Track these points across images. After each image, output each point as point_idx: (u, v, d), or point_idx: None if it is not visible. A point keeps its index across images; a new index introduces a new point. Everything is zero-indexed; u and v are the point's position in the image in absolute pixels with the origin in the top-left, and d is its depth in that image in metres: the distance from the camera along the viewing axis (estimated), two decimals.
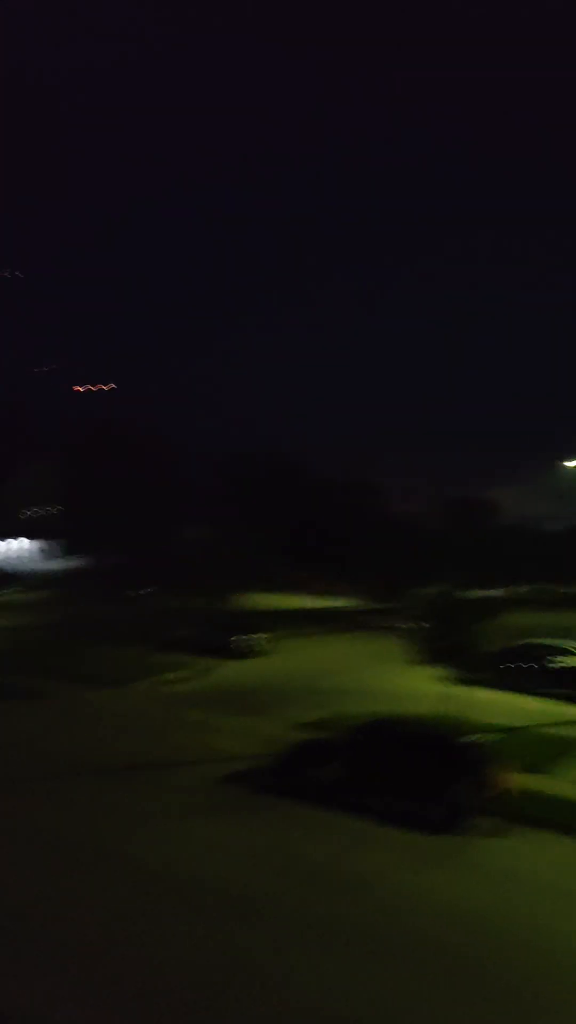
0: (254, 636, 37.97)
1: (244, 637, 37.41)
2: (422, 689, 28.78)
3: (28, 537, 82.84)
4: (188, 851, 14.71)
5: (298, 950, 11.42)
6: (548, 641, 38.31)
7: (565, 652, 35.76)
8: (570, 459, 36.92)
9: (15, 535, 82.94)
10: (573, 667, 32.99)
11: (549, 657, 33.75)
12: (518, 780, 18.64)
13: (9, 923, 11.64)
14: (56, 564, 74.77)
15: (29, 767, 19.15)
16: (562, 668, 32.73)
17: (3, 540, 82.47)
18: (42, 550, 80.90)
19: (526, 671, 32.37)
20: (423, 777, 16.81)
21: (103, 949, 11.12)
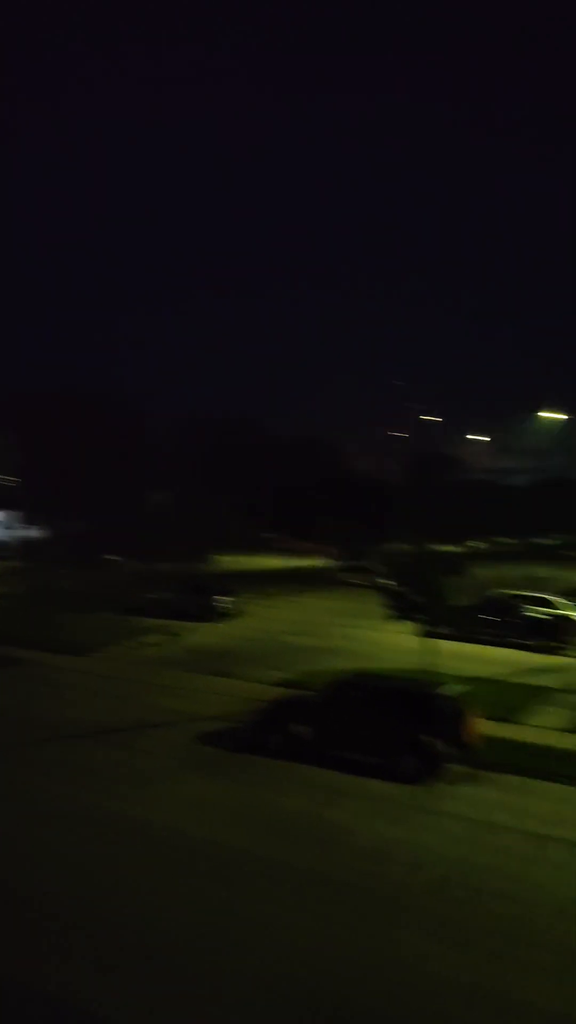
0: (225, 598, 38.11)
1: (215, 599, 37.52)
2: (394, 644, 29.21)
3: None
4: (167, 809, 14.91)
5: (277, 902, 11.66)
6: (518, 592, 39.01)
7: (534, 602, 36.47)
8: (536, 412, 37.25)
9: None
10: (542, 617, 33.68)
11: (519, 608, 34.38)
12: (488, 729, 19.07)
13: None
14: (18, 534, 74.15)
15: (6, 733, 19.20)
16: (531, 618, 33.37)
17: None
18: (1, 521, 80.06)
19: (496, 622, 32.98)
20: (395, 730, 17.13)
21: (85, 906, 11.28)
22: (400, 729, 17.10)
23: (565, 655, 30.91)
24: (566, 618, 34.32)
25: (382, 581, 30.14)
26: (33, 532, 72.25)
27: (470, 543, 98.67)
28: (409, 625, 24.82)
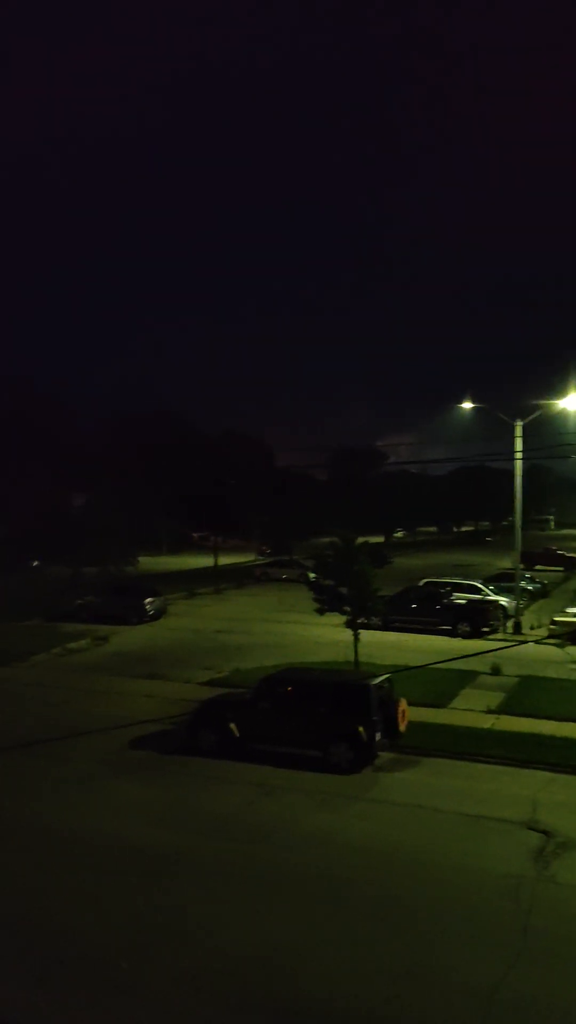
0: (153, 599, 37.73)
1: (143, 601, 37.12)
2: (323, 637, 29.41)
3: None
4: (100, 814, 14.70)
5: (213, 900, 11.60)
6: (444, 580, 39.78)
7: (460, 589, 37.25)
8: (455, 404, 37.98)
9: None
10: (467, 603, 34.41)
11: (445, 595, 35.05)
12: (419, 715, 19.39)
13: None
14: None
15: None
16: (458, 604, 34.04)
17: None
18: None
19: (424, 610, 33.51)
20: (327, 721, 17.25)
21: (22, 916, 11.03)
22: (332, 720, 17.23)
23: (491, 639, 31.62)
24: (491, 603, 35.16)
25: (309, 575, 30.28)
26: None
27: (396, 533, 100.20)
28: (337, 617, 24.98)
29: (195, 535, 78.53)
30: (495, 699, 22.01)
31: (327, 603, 24.79)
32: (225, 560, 58.06)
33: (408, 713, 18.33)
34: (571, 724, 19.63)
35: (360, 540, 25.74)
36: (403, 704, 18.15)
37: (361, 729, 16.89)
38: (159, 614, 37.41)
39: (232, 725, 17.89)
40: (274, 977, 9.78)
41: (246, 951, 10.29)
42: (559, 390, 35.49)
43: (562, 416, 36.40)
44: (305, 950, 10.32)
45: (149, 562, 57.32)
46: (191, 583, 49.22)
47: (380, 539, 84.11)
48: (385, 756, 17.45)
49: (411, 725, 18.42)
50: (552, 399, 35.02)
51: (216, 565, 51.86)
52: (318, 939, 10.57)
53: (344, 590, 24.40)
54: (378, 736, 17.19)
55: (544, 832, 13.84)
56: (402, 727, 17.95)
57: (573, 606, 33.98)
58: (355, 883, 12.16)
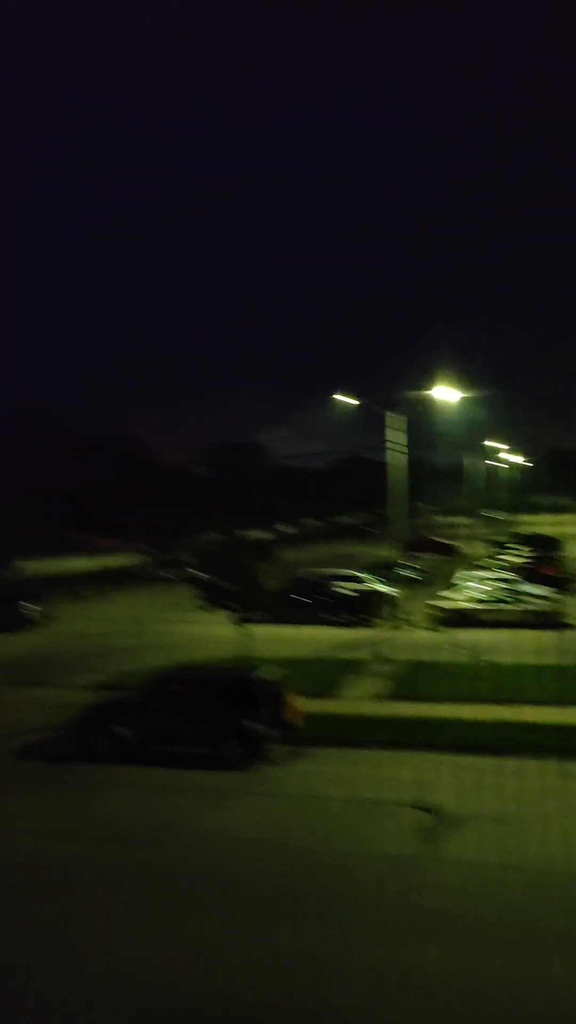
0: (32, 605, 36.67)
1: (22, 607, 36.02)
2: (210, 635, 29.31)
3: None
4: None
5: (115, 908, 11.44)
6: (326, 571, 40.37)
7: (343, 579, 37.91)
8: (331, 397, 38.64)
9: None
10: (350, 594, 35.05)
11: (329, 586, 35.59)
12: (308, 706, 19.65)
13: None
14: None
15: None
16: (341, 595, 34.64)
17: None
18: None
19: (308, 602, 33.94)
20: (217, 719, 17.25)
21: None
22: (221, 717, 17.25)
23: (374, 627, 32.36)
24: (373, 592, 35.96)
25: (193, 572, 30.17)
26: None
27: (278, 527, 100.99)
28: (223, 614, 25.01)
29: (76, 537, 76.77)
30: (382, 686, 22.55)
31: (213, 600, 24.78)
32: (107, 561, 57.07)
33: (298, 705, 18.55)
34: (454, 705, 20.33)
35: (244, 535, 25.85)
36: (293, 696, 18.35)
37: (251, 724, 16.97)
38: (40, 620, 36.41)
39: (123, 728, 17.63)
40: (172, 979, 9.73)
41: (144, 955, 10.19)
42: (435, 382, 36.69)
43: (440, 408, 37.60)
44: (203, 950, 10.31)
45: (27, 566, 55.71)
46: (72, 586, 48.15)
47: (264, 533, 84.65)
48: (276, 749, 17.61)
49: (301, 717, 18.65)
50: (426, 391, 36.16)
51: (99, 567, 50.91)
52: (215, 938, 10.58)
53: (230, 586, 24.45)
54: (269, 730, 17.31)
55: (429, 811, 14.29)
56: (292, 719, 18.14)
57: (453, 591, 35.16)
58: (250, 878, 12.23)
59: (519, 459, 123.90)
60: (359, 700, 21.34)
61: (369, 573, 40.13)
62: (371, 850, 12.99)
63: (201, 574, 26.28)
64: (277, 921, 10.95)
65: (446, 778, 15.98)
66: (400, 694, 21.72)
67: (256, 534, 51.06)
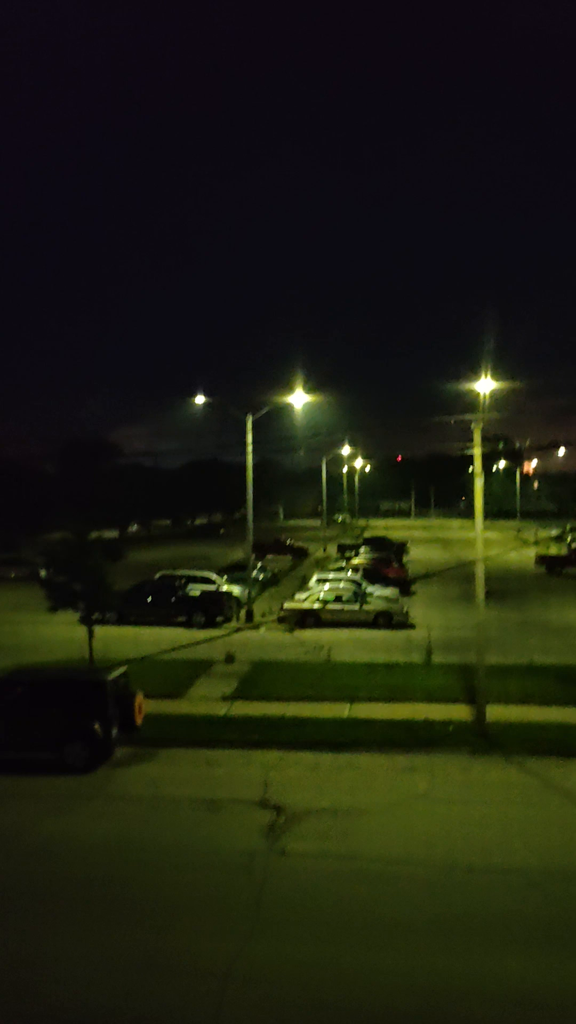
0: None
1: None
2: (57, 636, 28.61)
3: None
4: None
5: None
6: (178, 572, 40.27)
7: (194, 580, 37.93)
8: (186, 398, 38.53)
9: None
10: (202, 594, 35.09)
11: (180, 587, 35.51)
12: (155, 707, 19.58)
13: None
14: None
15: None
16: (192, 596, 34.62)
17: None
18: None
19: (158, 603, 33.72)
20: (60, 721, 16.86)
21: None
22: (66, 720, 16.87)
23: (225, 628, 32.58)
24: (225, 593, 36.18)
25: (40, 572, 29.34)
26: None
27: (130, 527, 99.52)
28: (72, 615, 24.49)
29: None
30: (229, 686, 22.76)
31: (60, 600, 24.21)
32: None
33: (145, 706, 18.45)
34: (299, 704, 20.82)
35: (94, 534, 25.41)
36: (139, 697, 18.22)
37: (96, 726, 16.72)
38: None
39: None
40: (17, 992, 9.50)
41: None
42: (289, 388, 37.33)
43: (290, 412, 38.28)
44: (46, 960, 10.10)
45: None
46: None
47: (115, 533, 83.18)
48: (122, 751, 17.44)
49: (148, 717, 18.56)
50: (281, 396, 36.74)
51: None
52: (60, 947, 10.39)
53: (78, 586, 23.96)
54: (114, 732, 17.12)
55: (275, 808, 14.60)
56: (139, 720, 18.02)
57: (300, 592, 35.87)
58: (95, 883, 12.07)
59: (366, 464, 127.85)
60: (207, 700, 21.45)
61: (220, 574, 40.34)
62: (217, 848, 13.12)
63: (48, 573, 25.63)
64: (124, 926, 10.86)
65: (289, 775, 16.35)
66: (248, 693, 22.01)
67: (108, 534, 50.07)
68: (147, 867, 12.56)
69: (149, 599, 33.89)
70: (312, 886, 11.93)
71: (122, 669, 18.79)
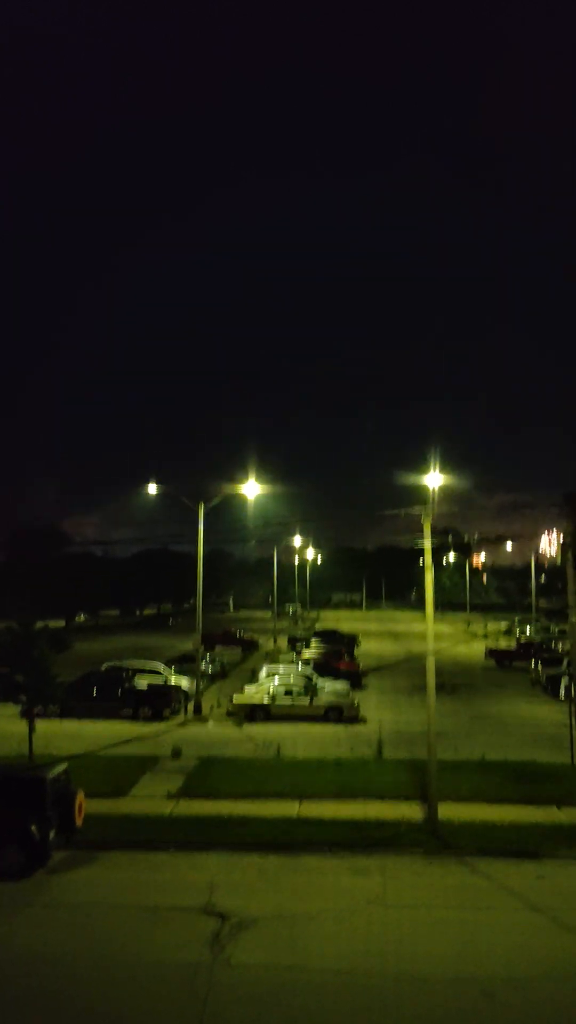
0: None
1: None
2: None
3: None
4: None
5: None
6: (125, 664, 39.33)
7: (142, 672, 37.05)
8: (140, 487, 38.50)
9: None
10: (149, 687, 34.26)
11: (127, 679, 34.61)
12: (97, 807, 18.78)
13: None
14: None
15: None
16: (139, 689, 33.76)
17: None
18: None
19: (105, 696, 32.79)
20: None
21: None
22: (1, 822, 16.07)
23: (171, 721, 31.75)
24: (172, 687, 35.38)
25: None
26: None
27: (77, 617, 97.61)
28: (12, 707, 23.69)
29: None
30: (175, 783, 22.01)
31: (2, 693, 23.47)
32: None
33: (85, 805, 17.69)
34: (246, 802, 20.17)
35: (39, 624, 24.84)
36: (80, 796, 17.45)
37: (34, 828, 15.93)
38: None
39: None
40: None
41: None
42: (241, 478, 37.55)
43: (242, 502, 38.38)
44: None
45: None
46: None
47: (61, 623, 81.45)
48: (60, 855, 16.61)
49: (90, 817, 17.79)
50: (234, 485, 36.88)
51: None
52: None
53: (20, 678, 23.28)
54: (52, 834, 16.31)
55: (220, 915, 13.95)
56: (79, 821, 17.22)
57: (250, 685, 35.26)
58: (28, 995, 11.32)
59: (317, 555, 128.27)
60: (152, 798, 20.67)
61: (168, 666, 39.54)
62: (159, 959, 12.43)
63: None
64: None
65: (236, 878, 15.71)
66: (194, 791, 21.27)
67: (54, 623, 48.94)
68: (83, 981, 11.82)
69: (95, 691, 32.96)
70: (258, 1000, 11.32)
71: (63, 766, 18.05)
